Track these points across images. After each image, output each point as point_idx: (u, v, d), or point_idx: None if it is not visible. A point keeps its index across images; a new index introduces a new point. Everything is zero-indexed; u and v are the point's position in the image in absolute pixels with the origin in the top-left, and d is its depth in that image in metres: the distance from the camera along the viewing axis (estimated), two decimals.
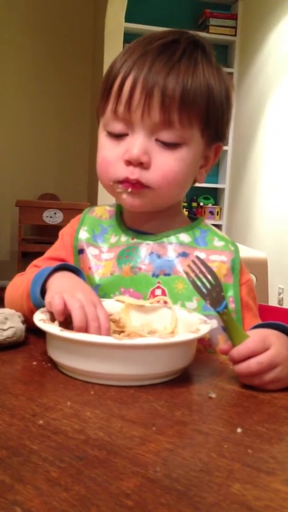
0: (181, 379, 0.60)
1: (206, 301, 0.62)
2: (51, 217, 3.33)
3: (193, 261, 0.64)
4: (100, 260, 0.80)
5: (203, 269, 0.63)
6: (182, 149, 0.72)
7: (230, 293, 0.76)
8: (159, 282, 0.76)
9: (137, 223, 0.81)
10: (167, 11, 4.30)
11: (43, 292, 0.68)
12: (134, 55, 0.71)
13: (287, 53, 3.60)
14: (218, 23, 4.30)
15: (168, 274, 0.76)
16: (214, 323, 0.71)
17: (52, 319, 0.62)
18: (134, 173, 0.71)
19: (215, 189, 4.63)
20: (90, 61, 4.39)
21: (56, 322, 0.61)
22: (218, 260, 0.77)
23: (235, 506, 0.35)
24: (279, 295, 3.54)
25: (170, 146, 0.71)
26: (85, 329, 0.60)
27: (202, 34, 0.80)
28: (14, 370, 0.60)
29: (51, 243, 0.88)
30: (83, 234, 0.82)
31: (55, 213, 3.34)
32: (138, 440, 0.44)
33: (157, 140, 0.71)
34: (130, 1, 3.70)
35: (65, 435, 0.44)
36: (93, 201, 3.90)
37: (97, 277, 0.79)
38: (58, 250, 0.84)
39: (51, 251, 0.85)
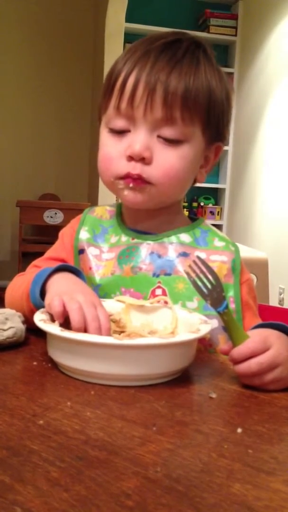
0: (182, 379, 0.59)
1: (207, 301, 0.62)
2: (51, 217, 3.33)
3: (194, 261, 0.64)
4: (101, 260, 0.80)
5: (204, 269, 0.63)
6: (184, 146, 0.72)
7: (230, 293, 0.76)
8: (159, 282, 0.76)
9: (137, 221, 0.81)
10: (167, 11, 4.31)
11: (43, 292, 0.68)
12: (136, 53, 0.72)
13: None
14: (219, 23, 4.30)
15: (169, 274, 0.76)
16: (214, 323, 0.71)
17: (53, 319, 0.62)
18: (136, 168, 0.71)
19: (216, 189, 4.64)
20: (91, 61, 4.39)
21: (57, 322, 0.61)
22: (219, 260, 0.77)
23: (235, 506, 0.35)
24: (280, 295, 3.54)
25: (172, 142, 0.71)
26: (83, 331, 0.60)
27: (203, 34, 0.81)
28: (14, 370, 0.60)
29: (51, 243, 0.88)
30: (84, 234, 0.83)
31: (56, 213, 3.34)
32: (139, 440, 0.44)
33: (159, 136, 0.71)
34: (130, 2, 3.70)
35: (65, 435, 0.44)
36: (93, 201, 3.90)
37: (97, 277, 0.79)
38: (58, 250, 0.84)
39: (51, 252, 0.85)
